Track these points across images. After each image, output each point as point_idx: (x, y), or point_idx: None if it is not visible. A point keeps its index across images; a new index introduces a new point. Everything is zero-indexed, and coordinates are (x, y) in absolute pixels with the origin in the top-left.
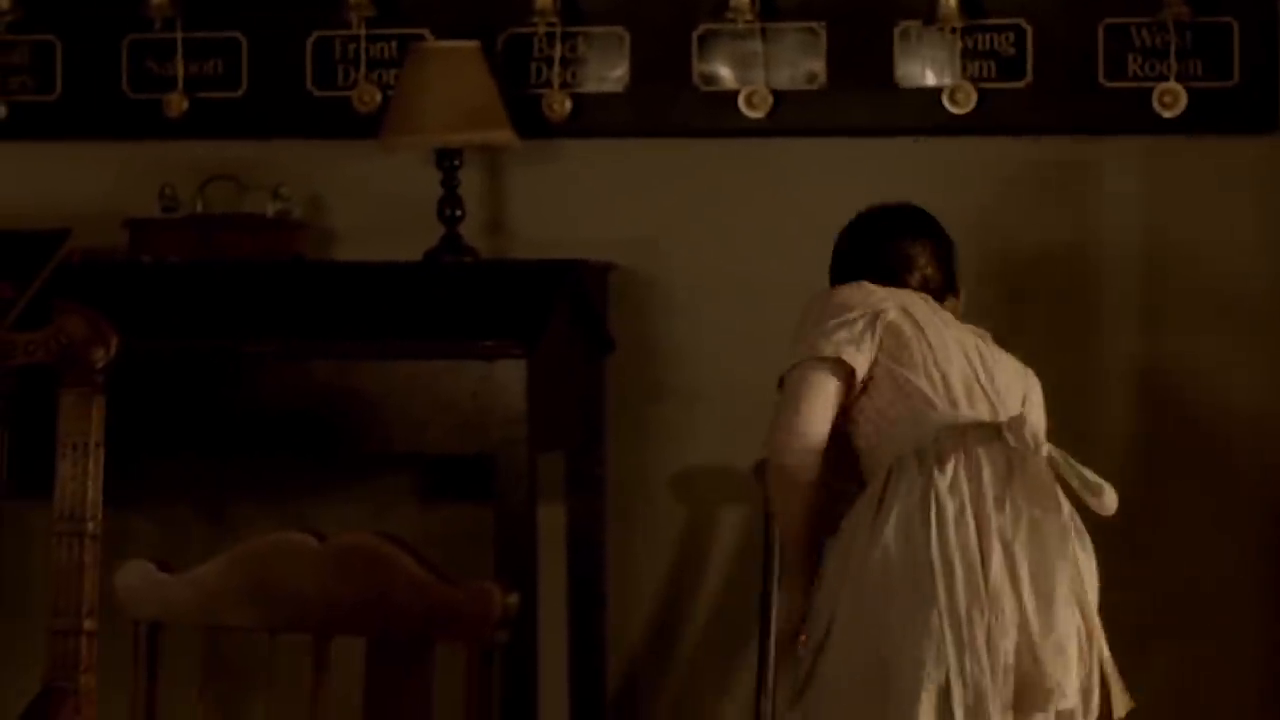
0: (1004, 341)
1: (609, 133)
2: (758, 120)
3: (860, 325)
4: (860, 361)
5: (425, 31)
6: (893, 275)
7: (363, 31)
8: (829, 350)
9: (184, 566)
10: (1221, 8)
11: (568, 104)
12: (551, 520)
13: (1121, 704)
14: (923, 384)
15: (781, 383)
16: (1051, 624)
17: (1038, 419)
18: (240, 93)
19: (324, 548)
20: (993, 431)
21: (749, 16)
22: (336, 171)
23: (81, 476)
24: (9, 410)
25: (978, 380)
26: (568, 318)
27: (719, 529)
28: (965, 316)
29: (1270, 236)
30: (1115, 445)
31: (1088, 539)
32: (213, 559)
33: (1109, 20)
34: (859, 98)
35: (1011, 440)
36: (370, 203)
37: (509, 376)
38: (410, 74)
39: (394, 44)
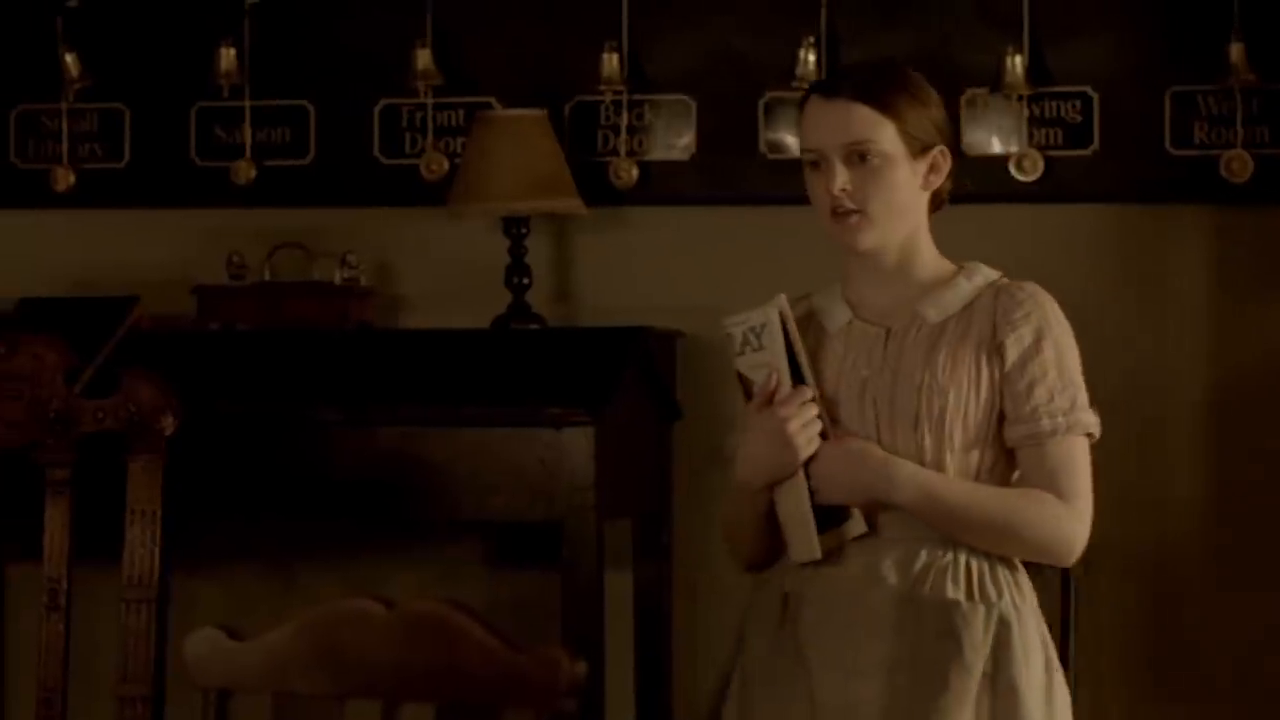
0: None
1: (676, 200)
2: None
3: None
4: None
5: (492, 99)
6: None
7: (430, 100)
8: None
9: (251, 630)
10: None
11: (634, 171)
12: (619, 587)
13: None
14: None
15: (1060, 429)
16: None
17: None
18: (308, 160)
19: (393, 615)
20: None
21: None
22: (404, 239)
23: (149, 543)
24: (77, 476)
25: None
26: (635, 385)
27: None
28: None
29: None
30: (1180, 509)
31: None
32: (281, 625)
33: (1175, 87)
34: None
35: None
36: (438, 269)
37: (576, 443)
38: (477, 142)
39: (461, 112)
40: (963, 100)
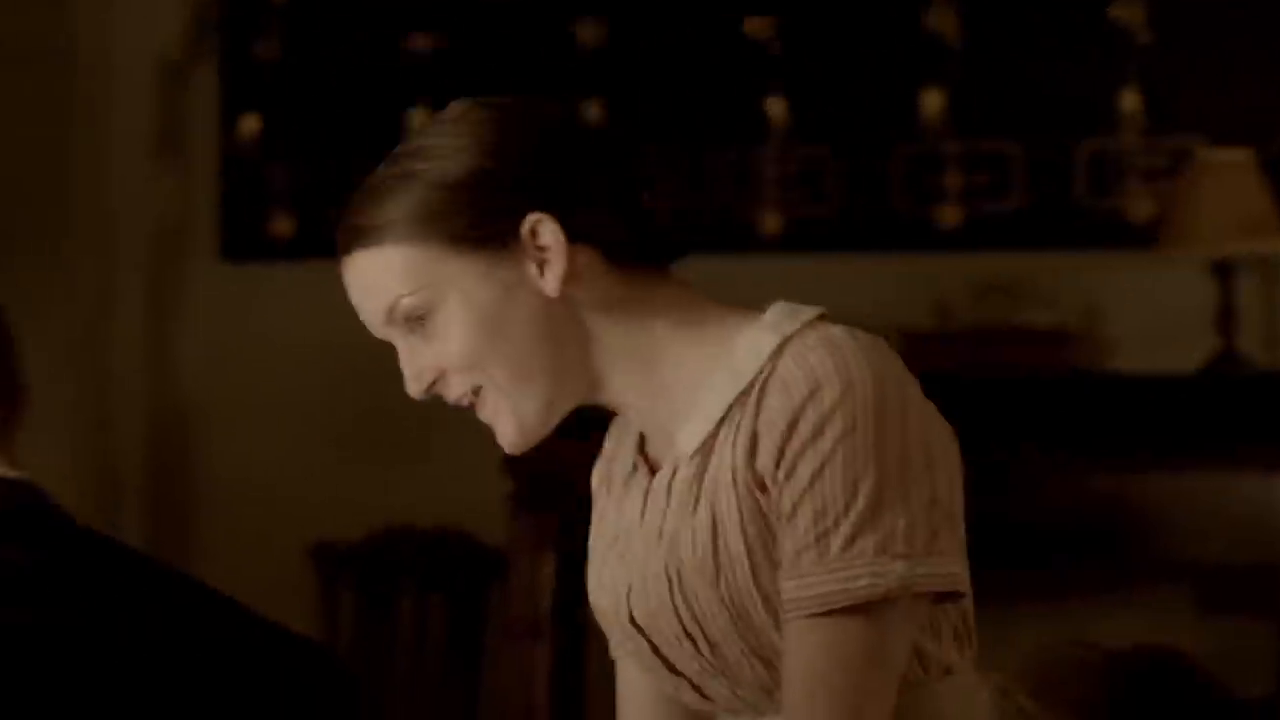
0: None
1: None
2: None
3: None
4: None
5: (1198, 140)
6: None
7: (1136, 141)
8: None
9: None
10: None
11: None
12: None
13: None
14: None
15: None
16: None
17: None
18: (1011, 204)
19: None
20: None
21: None
22: (1109, 282)
23: None
24: None
25: None
26: None
27: None
28: None
29: None
30: None
31: None
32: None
33: None
34: None
35: None
36: (1144, 314)
37: None
38: (1185, 184)
39: (1166, 153)
40: None
